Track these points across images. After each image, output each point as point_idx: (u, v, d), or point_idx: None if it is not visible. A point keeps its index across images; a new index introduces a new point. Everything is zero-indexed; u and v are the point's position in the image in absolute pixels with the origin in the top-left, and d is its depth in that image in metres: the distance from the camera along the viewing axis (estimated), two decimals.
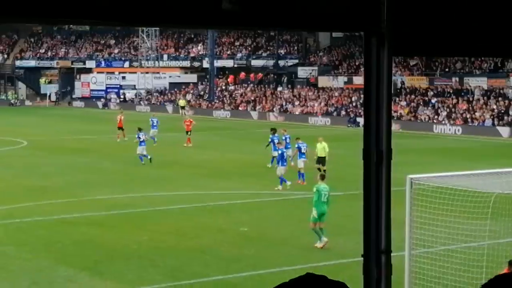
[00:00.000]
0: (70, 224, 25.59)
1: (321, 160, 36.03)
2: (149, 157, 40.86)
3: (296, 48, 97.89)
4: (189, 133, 50.67)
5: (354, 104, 77.32)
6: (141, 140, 41.35)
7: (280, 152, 34.53)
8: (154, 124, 52.66)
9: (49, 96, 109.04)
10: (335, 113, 77.85)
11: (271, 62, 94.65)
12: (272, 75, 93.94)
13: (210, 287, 18.92)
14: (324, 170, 33.61)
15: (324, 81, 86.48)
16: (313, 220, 22.94)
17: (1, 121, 70.43)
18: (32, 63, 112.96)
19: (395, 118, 63.88)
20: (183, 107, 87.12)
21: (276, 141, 38.38)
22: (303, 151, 35.80)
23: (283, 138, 39.43)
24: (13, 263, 20.45)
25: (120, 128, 53.37)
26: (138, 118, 63.96)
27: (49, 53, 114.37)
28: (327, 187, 23.38)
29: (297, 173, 35.26)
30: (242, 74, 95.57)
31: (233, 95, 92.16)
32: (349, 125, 72.27)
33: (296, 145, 36.24)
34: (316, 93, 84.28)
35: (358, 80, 79.58)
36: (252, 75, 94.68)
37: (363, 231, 4.28)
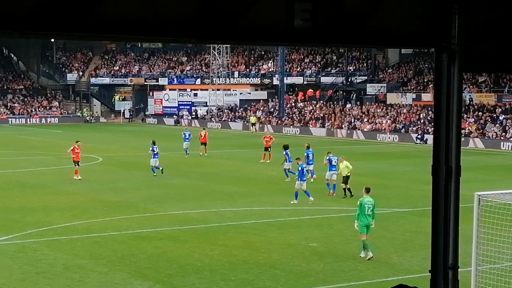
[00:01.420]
0: (144, 238, 25.90)
1: (345, 179, 35.70)
2: (160, 168, 42.76)
3: (365, 64, 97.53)
4: (269, 149, 51.01)
5: (422, 121, 76.68)
6: (154, 152, 43.24)
7: (300, 167, 34.61)
8: (187, 137, 56.14)
9: (123, 113, 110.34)
10: (403, 130, 77.30)
11: (340, 79, 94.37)
12: (341, 92, 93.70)
13: None
14: (349, 189, 33.88)
15: (392, 97, 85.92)
16: (361, 231, 23.14)
17: (77, 137, 71.51)
18: (106, 80, 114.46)
19: (463, 135, 63.22)
20: (253, 124, 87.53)
21: (310, 154, 40.22)
22: (333, 163, 36.31)
23: (306, 153, 40.41)
24: (90, 276, 20.76)
25: (204, 143, 55.61)
26: (209, 135, 64.36)
27: (122, 70, 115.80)
28: (372, 200, 23.49)
29: (326, 185, 36.24)
30: (310, 91, 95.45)
31: (302, 112, 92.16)
32: (417, 142, 71.72)
33: (327, 158, 36.73)
34: (384, 110, 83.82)
35: (427, 97, 78.87)
36: (318, 92, 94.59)
37: (431, 246, 4.32)
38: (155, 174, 42.70)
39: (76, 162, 41.42)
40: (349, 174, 35.55)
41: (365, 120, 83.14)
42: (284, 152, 42.11)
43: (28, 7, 6.65)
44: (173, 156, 53.23)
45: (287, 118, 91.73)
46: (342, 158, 36.61)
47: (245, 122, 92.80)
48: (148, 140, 46.02)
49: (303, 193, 33.59)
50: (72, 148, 41.82)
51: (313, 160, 39.73)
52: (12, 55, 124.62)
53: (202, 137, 56.19)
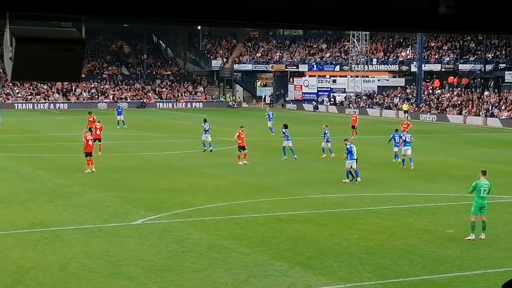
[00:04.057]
0: (284, 221, 26.12)
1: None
2: (211, 146, 46.83)
3: (504, 52, 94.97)
4: None
5: None
6: (205, 129, 47.31)
7: (348, 147, 35.61)
8: (270, 117, 62.47)
9: (264, 98, 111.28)
10: None
11: (478, 66, 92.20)
12: (479, 79, 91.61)
13: (416, 286, 18.80)
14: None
15: None
16: (474, 212, 23.32)
17: (220, 121, 72.62)
18: (249, 66, 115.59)
19: None
20: (406, 111, 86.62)
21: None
22: (353, 152, 35.70)
23: (324, 132, 44.18)
24: (232, 256, 21.11)
25: (354, 126, 58.60)
26: (346, 120, 64.24)
27: (264, 57, 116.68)
28: (488, 184, 23.44)
29: (346, 173, 35.79)
30: (451, 79, 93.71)
31: (440, 99, 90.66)
32: None
33: (347, 147, 36.17)
34: None
35: None
36: (456, 79, 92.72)
37: None
38: (205, 148, 46.59)
39: (242, 148, 41.36)
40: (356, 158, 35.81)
41: (503, 107, 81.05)
42: (284, 131, 44.16)
43: None
44: (313, 141, 53.38)
45: (424, 105, 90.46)
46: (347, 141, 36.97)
47: (395, 109, 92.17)
48: (289, 125, 46.18)
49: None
50: (238, 134, 41.95)
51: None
52: (161, 42, 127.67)
53: (354, 120, 60.02)
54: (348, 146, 35.93)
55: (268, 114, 63.81)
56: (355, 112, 60.74)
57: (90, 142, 37.54)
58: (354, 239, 23.32)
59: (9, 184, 33.62)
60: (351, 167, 35.62)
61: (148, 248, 21.85)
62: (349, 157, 35.68)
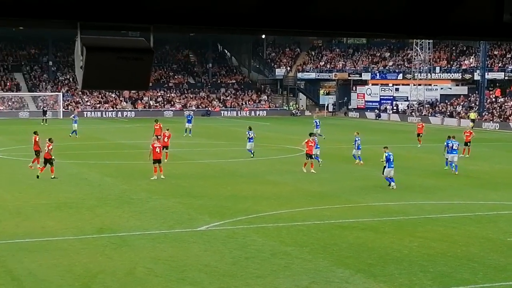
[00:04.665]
0: (346, 228, 26.08)
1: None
2: (253, 151, 47.53)
3: None
4: (468, 144, 50.19)
5: None
6: (249, 137, 48.06)
7: (387, 154, 35.75)
8: (318, 125, 63.65)
9: (327, 106, 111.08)
10: None
11: None
12: None
13: None
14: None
15: None
16: None
17: (284, 129, 72.81)
18: (312, 75, 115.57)
19: None
20: (473, 120, 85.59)
21: None
22: (391, 160, 35.78)
23: (355, 139, 44.81)
24: (295, 262, 21.14)
25: (419, 134, 58.86)
26: (409, 129, 63.87)
27: (328, 66, 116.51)
28: None
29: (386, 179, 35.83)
30: None
31: (503, 107, 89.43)
32: None
33: (386, 154, 36.14)
34: None
35: None
36: None
37: None
38: (252, 156, 47.05)
39: (309, 155, 41.11)
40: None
41: None
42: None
43: (248, 5, 6.89)
44: (375, 149, 53.10)
45: (487, 113, 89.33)
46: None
47: (458, 117, 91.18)
48: (351, 133, 46.07)
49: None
50: (306, 141, 42.05)
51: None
52: (226, 51, 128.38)
53: (420, 127, 60.52)
54: (386, 154, 36.01)
55: (315, 122, 64.97)
56: (420, 120, 60.43)
57: (157, 150, 37.97)
58: (415, 247, 23.18)
59: (78, 190, 34.18)
60: (390, 174, 35.77)
61: (212, 254, 22.01)
62: (387, 165, 35.75)
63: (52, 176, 37.08)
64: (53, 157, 37.70)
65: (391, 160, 35.70)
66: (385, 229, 26.03)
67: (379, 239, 24.31)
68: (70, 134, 62.88)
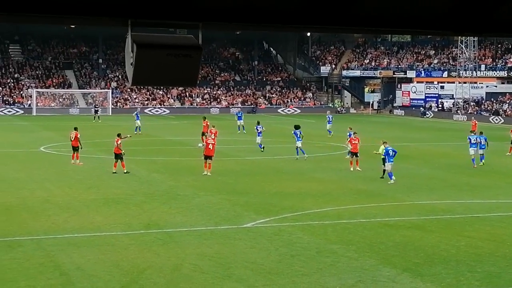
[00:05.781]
0: (392, 226, 25.70)
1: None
2: (262, 146, 48.65)
3: None
4: None
5: None
6: (258, 131, 49.42)
7: (386, 150, 35.89)
8: (330, 120, 64.70)
9: (372, 104, 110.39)
10: None
11: None
12: None
13: None
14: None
15: None
16: None
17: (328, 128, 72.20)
18: (357, 73, 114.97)
19: None
20: None
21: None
22: (391, 154, 36.00)
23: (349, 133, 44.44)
24: (341, 260, 20.85)
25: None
26: (454, 127, 63.12)
27: (372, 63, 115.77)
28: None
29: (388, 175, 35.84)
30: None
31: None
32: None
33: (385, 149, 36.39)
34: None
35: None
36: None
37: None
38: (262, 150, 48.12)
39: (353, 153, 40.85)
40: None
41: None
42: (293, 132, 45.62)
43: (294, 3, 6.87)
44: (421, 147, 52.60)
45: None
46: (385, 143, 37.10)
47: (504, 115, 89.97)
48: (396, 131, 45.61)
49: None
50: (349, 139, 41.72)
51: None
52: (272, 49, 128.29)
53: (473, 125, 59.63)
54: (386, 148, 36.11)
55: (328, 117, 65.74)
56: (473, 118, 59.86)
57: (210, 146, 38.00)
58: (462, 246, 22.74)
59: (127, 186, 34.21)
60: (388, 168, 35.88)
61: (258, 251, 21.81)
62: (387, 159, 35.79)
63: (125, 171, 37.53)
64: (123, 152, 38.01)
65: (391, 155, 35.69)
66: (432, 228, 25.59)
67: (426, 238, 23.89)
68: (135, 132, 62.88)
